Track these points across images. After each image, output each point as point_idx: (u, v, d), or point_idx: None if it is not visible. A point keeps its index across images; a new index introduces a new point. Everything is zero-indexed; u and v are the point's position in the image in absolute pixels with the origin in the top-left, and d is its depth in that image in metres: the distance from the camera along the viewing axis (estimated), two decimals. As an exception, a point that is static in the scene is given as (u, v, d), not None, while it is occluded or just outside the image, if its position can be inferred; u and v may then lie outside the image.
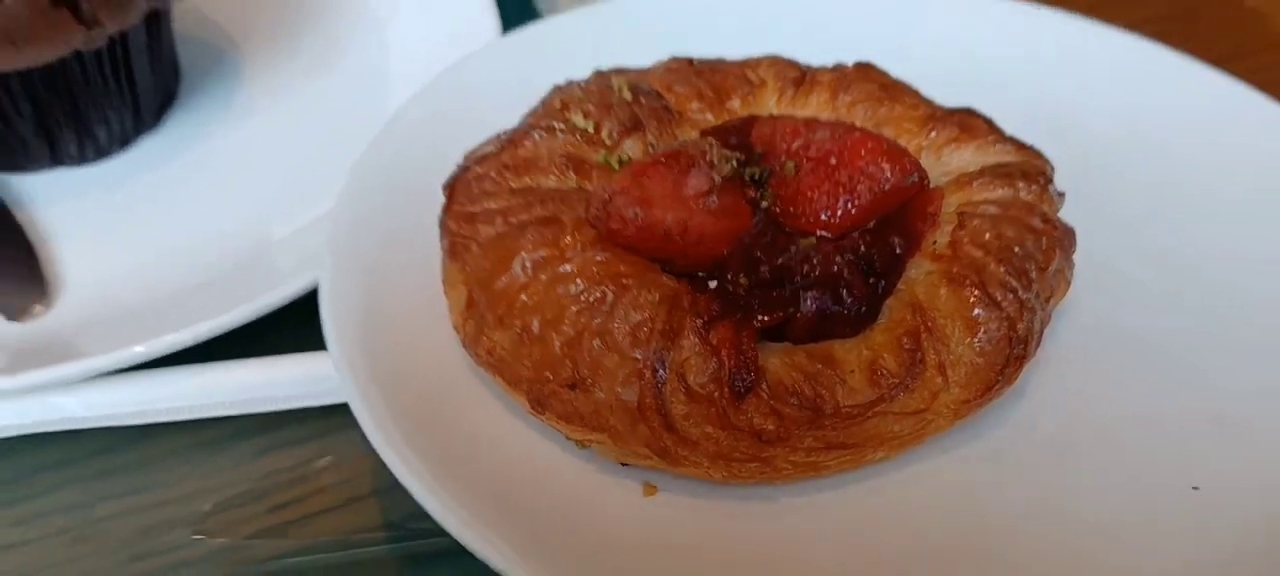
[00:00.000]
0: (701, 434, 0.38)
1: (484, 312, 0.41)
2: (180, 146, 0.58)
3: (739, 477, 0.39)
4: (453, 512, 0.36)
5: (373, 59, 0.63)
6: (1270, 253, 0.50)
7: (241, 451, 0.49)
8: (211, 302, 0.49)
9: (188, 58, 0.61)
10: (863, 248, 0.42)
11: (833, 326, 0.40)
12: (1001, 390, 0.41)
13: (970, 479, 0.41)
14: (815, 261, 0.41)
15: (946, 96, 0.50)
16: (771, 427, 0.38)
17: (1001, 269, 0.41)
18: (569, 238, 0.40)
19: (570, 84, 0.49)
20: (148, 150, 0.58)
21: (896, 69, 0.51)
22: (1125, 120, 0.56)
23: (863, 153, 0.43)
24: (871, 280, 0.41)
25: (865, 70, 0.50)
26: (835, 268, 0.41)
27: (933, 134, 0.47)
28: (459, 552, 0.44)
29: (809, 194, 0.43)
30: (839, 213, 0.42)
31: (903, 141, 0.47)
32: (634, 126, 0.46)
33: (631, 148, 0.45)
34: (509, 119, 0.49)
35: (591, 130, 0.45)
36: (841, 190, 0.42)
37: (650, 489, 0.40)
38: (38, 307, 0.50)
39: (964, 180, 0.45)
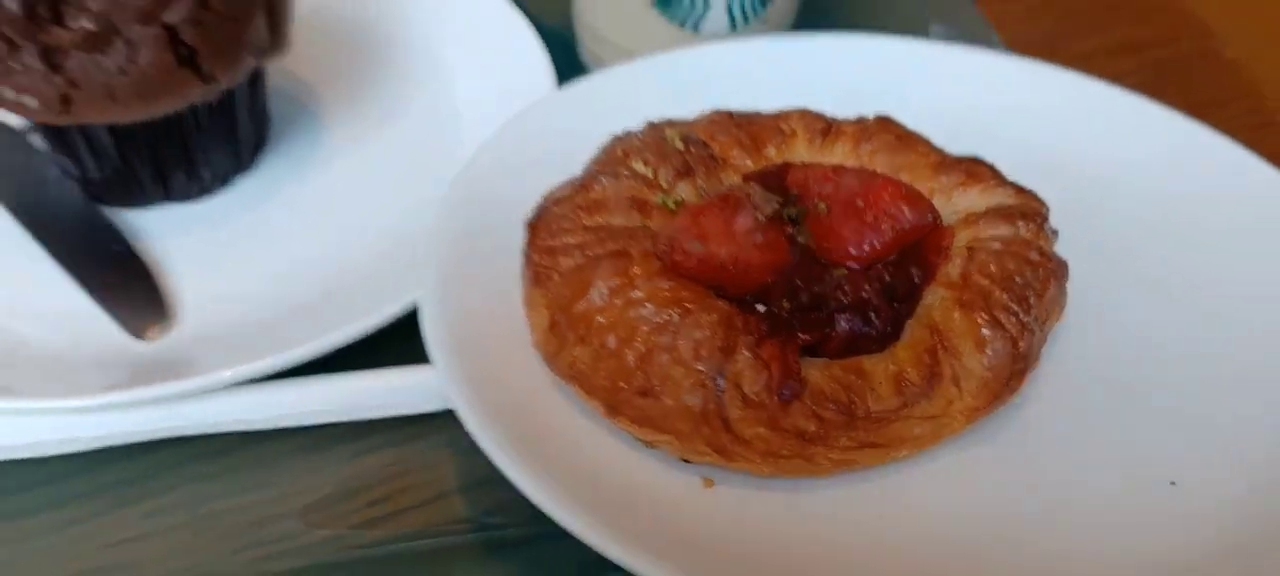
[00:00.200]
0: (754, 434, 0.43)
1: (565, 332, 0.46)
2: (273, 186, 0.63)
3: (785, 472, 0.44)
4: (553, 498, 0.41)
5: (440, 108, 0.67)
6: (1243, 276, 0.55)
7: (337, 454, 0.54)
8: (308, 326, 0.53)
9: (276, 107, 0.66)
10: (887, 277, 0.47)
11: (862, 344, 0.45)
12: (1007, 398, 0.47)
13: (979, 472, 0.47)
14: (846, 289, 0.46)
15: (948, 143, 0.54)
16: (813, 429, 0.44)
17: (1005, 296, 0.46)
18: (637, 268, 0.46)
19: (628, 134, 0.55)
20: (244, 189, 0.63)
21: (904, 119, 0.56)
22: (1109, 164, 0.60)
23: (886, 196, 0.48)
24: (894, 305, 0.47)
25: (884, 123, 0.55)
26: (864, 294, 0.46)
27: (943, 179, 0.52)
28: (528, 541, 0.51)
29: (839, 231, 0.48)
30: (866, 247, 0.47)
31: (917, 185, 0.52)
32: (686, 172, 0.52)
33: (684, 190, 0.51)
34: (568, 159, 0.54)
35: (650, 175, 0.51)
36: (868, 228, 0.47)
37: (708, 482, 0.45)
38: (159, 327, 0.55)
39: (971, 219, 0.50)
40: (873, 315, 0.46)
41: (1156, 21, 0.81)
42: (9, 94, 0.53)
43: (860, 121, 0.56)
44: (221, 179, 0.63)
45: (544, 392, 0.48)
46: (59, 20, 0.52)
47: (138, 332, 0.55)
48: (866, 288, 0.46)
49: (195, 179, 0.61)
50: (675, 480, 0.45)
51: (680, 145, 0.53)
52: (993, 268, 0.47)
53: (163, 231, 0.61)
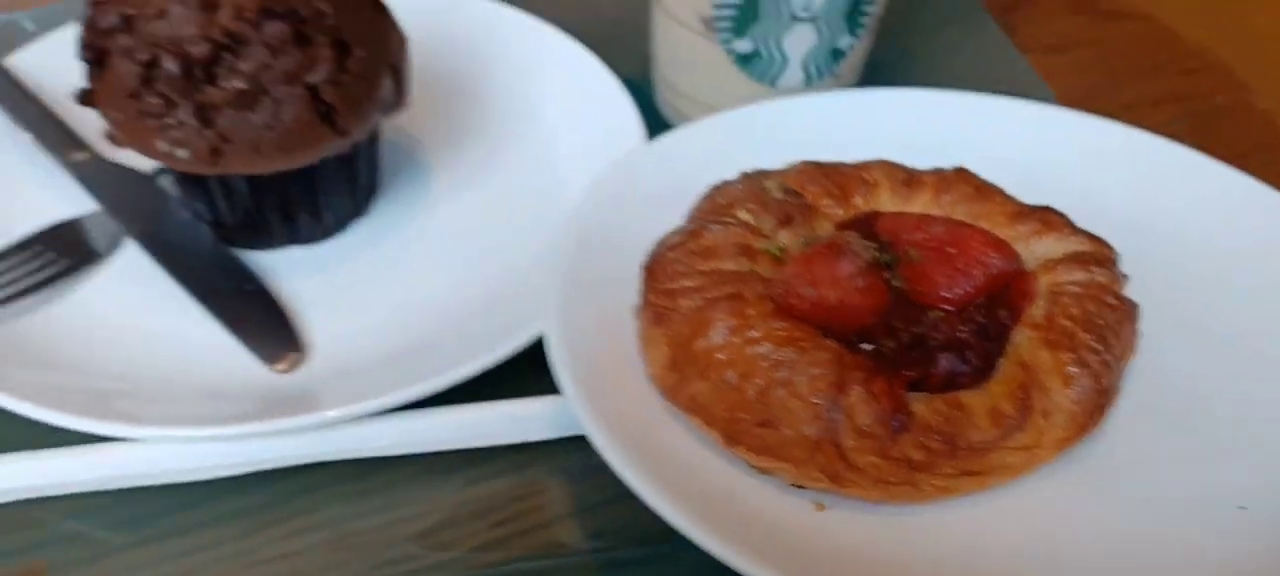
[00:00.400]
0: (867, 462, 0.47)
1: (685, 367, 0.50)
2: (387, 230, 0.68)
3: (892, 497, 0.48)
4: (681, 513, 0.45)
5: (536, 157, 0.72)
6: None
7: (458, 480, 0.58)
8: (431, 361, 0.57)
9: (387, 157, 0.71)
10: (979, 319, 0.51)
11: (959, 380, 0.49)
12: (1091, 429, 0.51)
13: (1067, 497, 0.50)
14: (942, 329, 0.51)
15: (1014, 192, 0.59)
16: (920, 458, 0.47)
17: (1088, 336, 0.50)
18: (751, 310, 0.50)
19: (727, 184, 0.59)
20: (360, 232, 0.68)
21: (975, 168, 0.61)
22: (1162, 213, 0.63)
23: (975, 244, 0.52)
24: (987, 344, 0.51)
25: (962, 173, 0.59)
26: (960, 334, 0.50)
27: (1020, 227, 0.56)
28: (638, 562, 0.54)
29: (933, 276, 0.52)
30: (958, 291, 0.51)
31: (996, 233, 0.56)
32: (786, 220, 0.56)
33: (785, 237, 0.55)
34: (665, 204, 0.59)
35: (754, 223, 0.56)
36: (959, 274, 0.52)
37: (820, 506, 0.49)
38: (293, 357, 0.60)
39: (1050, 265, 0.55)
40: (969, 353, 0.50)
41: (1198, 76, 0.86)
42: (163, 146, 0.58)
43: (938, 172, 0.60)
44: (341, 223, 0.67)
45: (660, 421, 0.52)
46: (213, 81, 0.56)
47: (273, 363, 0.60)
48: (961, 329, 0.51)
49: (319, 223, 0.66)
50: (789, 503, 0.49)
51: (779, 194, 0.57)
52: (1075, 310, 0.51)
53: (288, 271, 0.65)
